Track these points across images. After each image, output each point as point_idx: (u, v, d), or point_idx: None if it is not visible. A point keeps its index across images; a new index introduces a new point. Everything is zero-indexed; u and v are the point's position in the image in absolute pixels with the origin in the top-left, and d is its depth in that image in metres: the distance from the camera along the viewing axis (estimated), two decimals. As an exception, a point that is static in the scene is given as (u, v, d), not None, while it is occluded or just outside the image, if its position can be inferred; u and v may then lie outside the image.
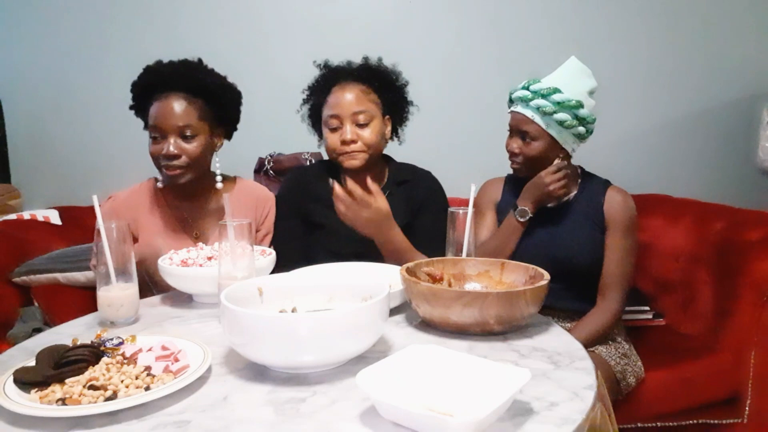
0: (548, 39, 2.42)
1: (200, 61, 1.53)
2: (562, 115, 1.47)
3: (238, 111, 1.60)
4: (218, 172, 1.57)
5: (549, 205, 1.56)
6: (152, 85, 1.46)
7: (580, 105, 1.47)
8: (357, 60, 1.61)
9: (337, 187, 1.37)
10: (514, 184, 1.63)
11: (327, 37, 2.37)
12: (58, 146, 2.39)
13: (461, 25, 2.42)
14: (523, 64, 2.40)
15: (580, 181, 1.59)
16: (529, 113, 1.49)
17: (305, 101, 1.66)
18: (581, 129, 1.50)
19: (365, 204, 1.36)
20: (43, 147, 2.39)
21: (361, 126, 1.51)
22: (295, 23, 2.38)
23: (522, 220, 1.51)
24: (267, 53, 2.39)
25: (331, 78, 1.58)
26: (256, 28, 2.38)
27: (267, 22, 2.38)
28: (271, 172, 2.28)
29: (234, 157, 2.18)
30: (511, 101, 1.56)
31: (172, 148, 1.42)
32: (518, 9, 2.42)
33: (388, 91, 1.59)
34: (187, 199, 1.54)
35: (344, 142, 1.50)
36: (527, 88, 1.50)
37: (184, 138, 1.43)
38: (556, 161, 1.51)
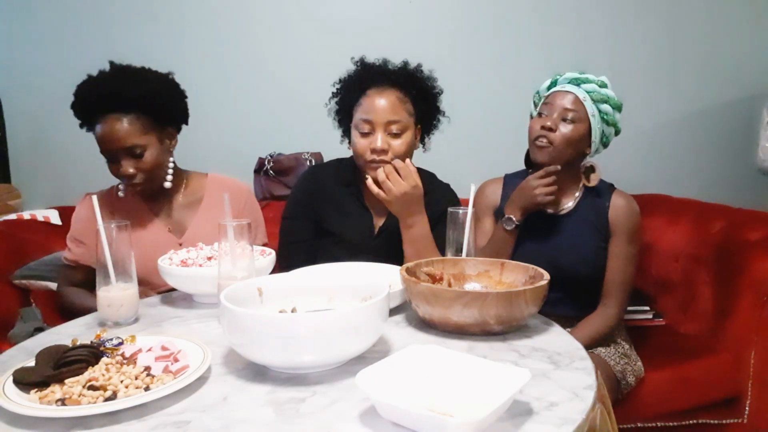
0: (547, 39, 2.42)
1: (128, 68, 1.45)
2: (607, 107, 1.46)
3: (183, 107, 1.53)
4: (169, 177, 1.53)
5: (549, 211, 1.53)
6: (87, 109, 1.41)
7: (620, 108, 1.48)
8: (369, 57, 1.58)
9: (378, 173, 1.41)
10: (514, 186, 1.58)
11: (327, 37, 2.37)
12: (58, 146, 2.38)
13: (460, 26, 2.42)
14: (523, 63, 2.41)
15: (582, 185, 1.55)
16: (581, 94, 1.45)
17: (335, 95, 1.60)
18: (612, 130, 1.50)
19: (407, 174, 1.40)
20: (43, 147, 2.39)
21: (394, 136, 1.47)
22: (295, 23, 2.38)
23: (509, 228, 1.47)
24: (267, 54, 2.39)
25: (367, 77, 1.52)
26: (256, 29, 2.37)
27: (267, 22, 2.38)
28: (271, 172, 2.28)
29: (234, 157, 2.19)
30: (553, 84, 1.53)
31: (129, 170, 1.41)
32: (517, 9, 2.42)
33: (424, 101, 1.54)
34: (150, 199, 1.54)
35: (374, 151, 1.46)
36: (579, 73, 1.49)
37: (134, 156, 1.41)
38: (545, 170, 1.46)
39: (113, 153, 1.40)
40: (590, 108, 1.45)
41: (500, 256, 1.48)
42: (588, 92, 1.45)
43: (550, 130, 1.45)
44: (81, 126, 1.47)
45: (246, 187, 1.66)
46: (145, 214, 1.53)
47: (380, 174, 1.42)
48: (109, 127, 1.38)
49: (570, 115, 1.45)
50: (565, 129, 1.45)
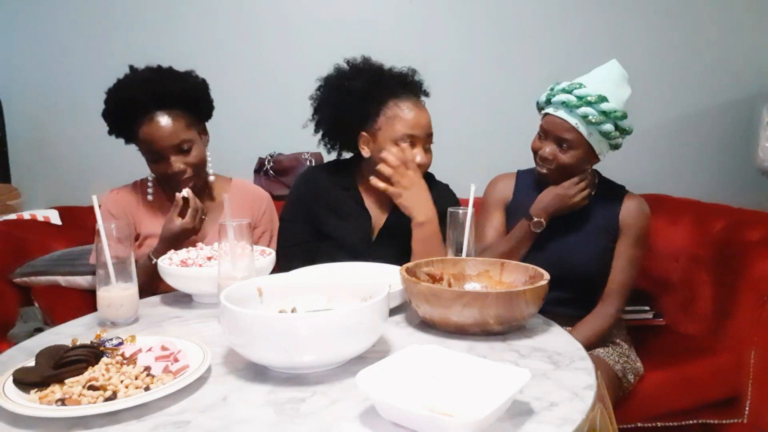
0: (547, 39, 2.42)
1: (160, 68, 1.50)
2: (607, 126, 1.40)
3: (211, 100, 1.57)
4: (210, 171, 1.57)
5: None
6: (129, 109, 1.43)
7: (624, 116, 1.42)
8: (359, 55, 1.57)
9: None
10: (527, 182, 1.59)
11: (327, 37, 2.36)
12: (58, 146, 2.38)
13: (461, 26, 2.42)
14: (523, 64, 2.41)
15: (594, 185, 1.53)
16: (573, 121, 1.40)
17: (341, 103, 1.54)
18: (620, 140, 1.47)
19: (413, 167, 1.42)
20: (43, 147, 2.39)
21: (426, 151, 1.50)
22: (295, 23, 2.38)
23: (537, 231, 1.46)
24: (267, 53, 2.39)
25: (388, 86, 1.50)
26: (255, 29, 2.37)
27: (267, 22, 2.38)
28: (271, 172, 2.28)
29: (234, 157, 2.18)
30: (547, 102, 1.46)
31: (179, 166, 1.43)
32: (518, 9, 2.42)
33: None
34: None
35: (420, 165, 1.47)
36: (571, 92, 1.40)
37: (183, 152, 1.44)
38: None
39: (162, 151, 1.43)
40: (586, 131, 1.41)
41: (516, 253, 1.47)
42: (583, 117, 1.39)
43: (548, 160, 1.46)
44: (110, 133, 1.50)
45: (266, 195, 1.67)
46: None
47: (385, 169, 1.44)
48: (157, 125, 1.42)
49: (565, 144, 1.43)
50: (563, 156, 1.44)
